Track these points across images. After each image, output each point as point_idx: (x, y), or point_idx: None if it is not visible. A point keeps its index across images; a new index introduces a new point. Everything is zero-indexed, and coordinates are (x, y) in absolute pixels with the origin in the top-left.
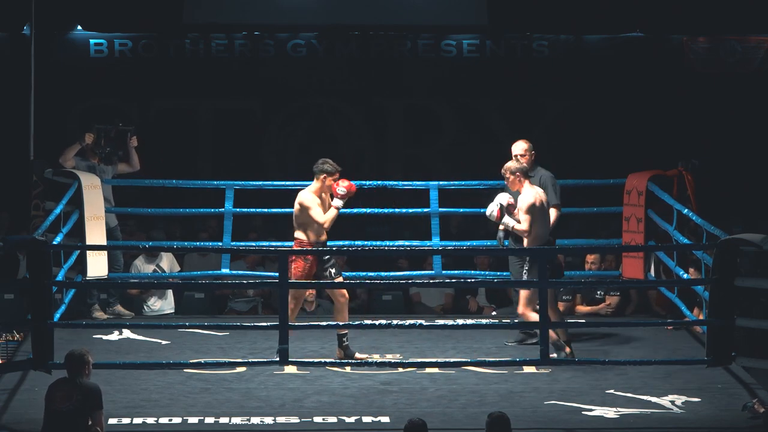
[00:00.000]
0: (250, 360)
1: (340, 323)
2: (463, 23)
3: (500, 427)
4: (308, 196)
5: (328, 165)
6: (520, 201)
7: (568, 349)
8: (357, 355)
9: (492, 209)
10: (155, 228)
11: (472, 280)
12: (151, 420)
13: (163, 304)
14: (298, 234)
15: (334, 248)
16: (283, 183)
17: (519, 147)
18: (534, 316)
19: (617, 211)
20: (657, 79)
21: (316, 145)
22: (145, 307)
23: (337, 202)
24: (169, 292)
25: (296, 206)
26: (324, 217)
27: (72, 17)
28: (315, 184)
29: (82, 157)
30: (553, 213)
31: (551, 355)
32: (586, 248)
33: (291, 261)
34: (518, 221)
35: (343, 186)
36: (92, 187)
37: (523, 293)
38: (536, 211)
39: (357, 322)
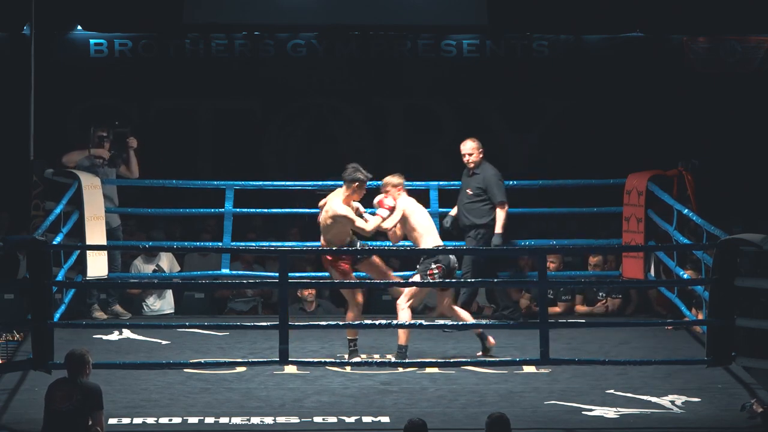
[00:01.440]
0: (250, 360)
1: (352, 324)
2: (463, 23)
3: (500, 427)
4: (342, 207)
5: (360, 173)
6: (399, 206)
7: (491, 340)
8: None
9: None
10: (155, 228)
11: (473, 280)
12: (151, 420)
13: (162, 304)
14: (334, 243)
15: (333, 248)
16: (283, 183)
17: (468, 146)
18: (404, 314)
19: (617, 211)
20: (657, 79)
21: (316, 145)
22: (144, 306)
23: (383, 212)
24: (169, 292)
25: (329, 219)
26: (369, 225)
27: (72, 17)
28: (344, 192)
29: (86, 156)
30: (499, 212)
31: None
32: (586, 248)
33: (335, 264)
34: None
35: (390, 202)
36: (92, 187)
37: (408, 289)
38: (404, 217)
39: (357, 322)
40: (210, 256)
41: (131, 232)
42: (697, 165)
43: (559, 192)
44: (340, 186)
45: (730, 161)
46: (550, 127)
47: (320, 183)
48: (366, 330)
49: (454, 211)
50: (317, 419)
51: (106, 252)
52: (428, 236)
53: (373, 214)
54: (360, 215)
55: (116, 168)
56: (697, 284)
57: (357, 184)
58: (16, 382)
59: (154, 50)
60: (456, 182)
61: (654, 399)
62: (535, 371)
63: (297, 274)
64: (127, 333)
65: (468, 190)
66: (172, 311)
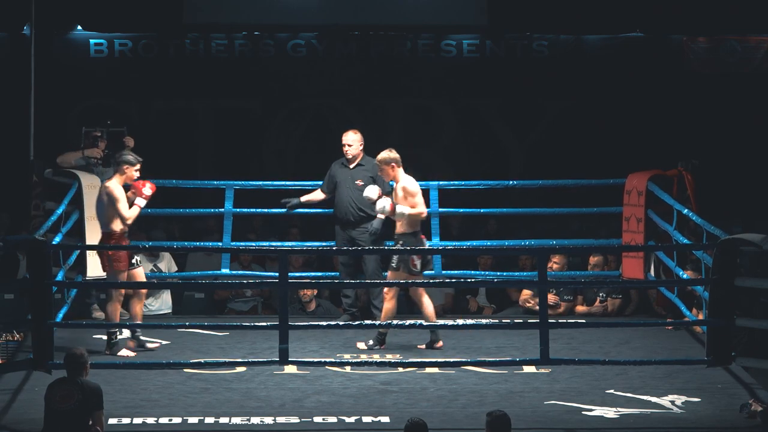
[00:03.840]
0: (250, 360)
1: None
2: (462, 23)
3: (500, 425)
4: (115, 187)
5: (130, 156)
6: (408, 186)
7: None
8: (148, 344)
9: (384, 204)
10: (155, 228)
11: (472, 280)
12: (151, 420)
13: (160, 305)
14: (109, 227)
15: (333, 248)
16: (283, 183)
17: (351, 137)
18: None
19: (617, 211)
20: (657, 79)
21: (316, 145)
22: None
23: (141, 201)
24: (166, 292)
25: (102, 197)
26: (130, 213)
27: (72, 17)
28: (117, 176)
29: (81, 156)
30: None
31: None
32: (586, 248)
33: (109, 255)
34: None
35: (149, 188)
36: (92, 187)
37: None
38: (406, 194)
39: (357, 322)
40: (213, 256)
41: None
42: (697, 165)
43: (559, 192)
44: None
45: (730, 161)
46: (550, 127)
47: (320, 183)
48: (365, 330)
49: (305, 198)
50: (317, 419)
51: None
52: (417, 218)
53: (132, 204)
54: None
55: (113, 168)
56: (697, 284)
57: (126, 167)
58: (16, 383)
59: (154, 50)
60: (457, 182)
61: (654, 399)
62: (535, 371)
63: (297, 274)
64: (127, 333)
65: (358, 182)
66: (170, 311)
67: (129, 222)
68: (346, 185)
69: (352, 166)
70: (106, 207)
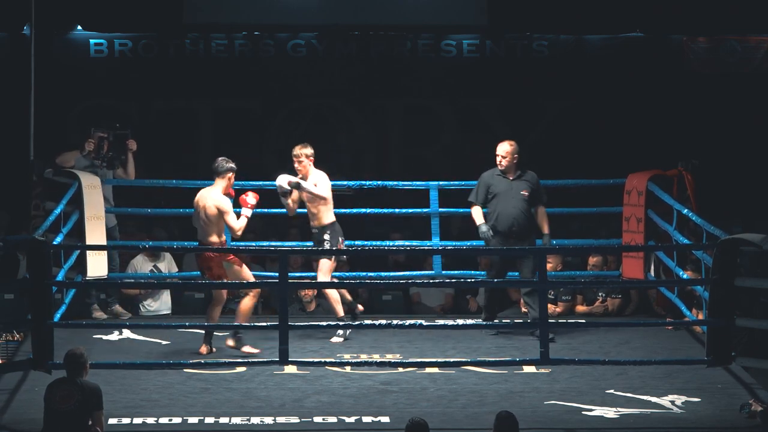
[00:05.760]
0: (250, 360)
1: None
2: (462, 23)
3: (508, 427)
4: (223, 199)
5: (232, 163)
6: (318, 177)
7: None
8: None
9: (285, 180)
10: (156, 227)
11: (472, 280)
12: (151, 420)
13: (159, 305)
14: (214, 238)
15: (334, 248)
16: None
17: (506, 149)
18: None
19: (617, 211)
20: (657, 79)
21: (316, 145)
22: (141, 307)
23: (247, 212)
24: (166, 293)
25: (211, 209)
26: (239, 224)
27: (72, 17)
28: (221, 183)
29: (83, 156)
30: (542, 211)
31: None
32: (586, 248)
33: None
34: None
35: (253, 197)
36: (92, 187)
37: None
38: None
39: (357, 323)
40: None
41: (131, 233)
42: (697, 165)
43: (559, 192)
44: (343, 186)
45: (730, 161)
46: (550, 127)
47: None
48: (366, 330)
49: (482, 219)
50: (317, 419)
51: (106, 252)
52: (331, 210)
53: (238, 214)
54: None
55: (114, 170)
56: (697, 284)
57: (231, 174)
58: (16, 382)
59: (154, 50)
60: (457, 182)
61: (654, 399)
62: (535, 371)
63: (297, 274)
64: (127, 333)
65: (524, 192)
66: (169, 312)
67: (239, 233)
68: (511, 196)
69: (512, 177)
70: (209, 218)
